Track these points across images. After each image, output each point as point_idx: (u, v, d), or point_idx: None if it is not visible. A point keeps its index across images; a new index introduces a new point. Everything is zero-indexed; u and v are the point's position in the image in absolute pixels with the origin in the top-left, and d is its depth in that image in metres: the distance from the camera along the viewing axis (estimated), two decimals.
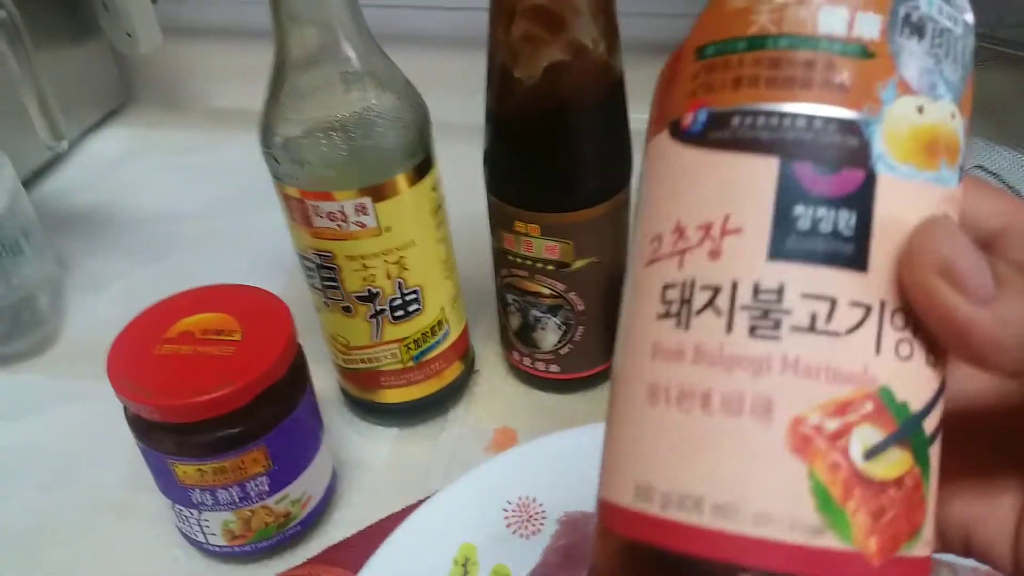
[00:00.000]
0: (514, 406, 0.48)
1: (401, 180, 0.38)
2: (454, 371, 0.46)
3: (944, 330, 0.16)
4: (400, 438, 0.46)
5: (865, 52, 0.17)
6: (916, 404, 0.17)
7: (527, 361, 0.47)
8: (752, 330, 0.16)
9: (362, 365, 0.44)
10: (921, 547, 0.17)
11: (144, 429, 0.36)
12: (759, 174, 0.17)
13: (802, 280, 0.16)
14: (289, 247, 0.58)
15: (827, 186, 0.16)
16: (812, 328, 0.16)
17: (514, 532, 0.38)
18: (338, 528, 0.42)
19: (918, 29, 0.17)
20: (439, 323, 0.43)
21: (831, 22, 0.17)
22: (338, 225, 0.38)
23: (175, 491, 0.37)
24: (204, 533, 0.39)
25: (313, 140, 0.36)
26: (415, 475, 0.44)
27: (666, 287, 0.17)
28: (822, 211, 0.16)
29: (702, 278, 0.17)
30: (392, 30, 0.45)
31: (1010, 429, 0.20)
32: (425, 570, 0.36)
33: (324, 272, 0.40)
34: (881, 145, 0.17)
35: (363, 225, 0.38)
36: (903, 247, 0.16)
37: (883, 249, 0.16)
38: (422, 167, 0.39)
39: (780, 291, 0.16)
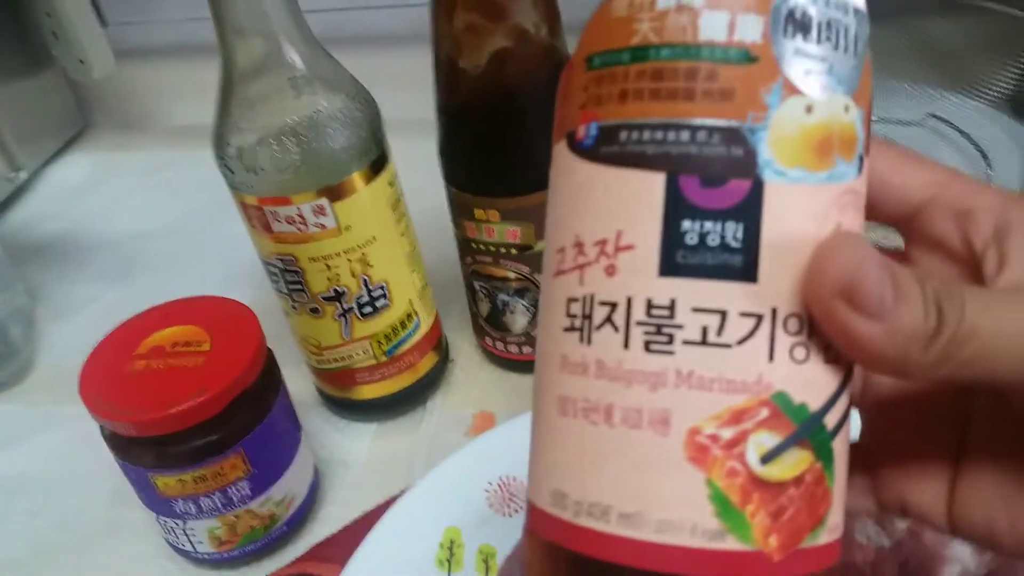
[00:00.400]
0: (491, 391, 0.48)
1: (357, 178, 0.39)
2: (428, 362, 0.47)
3: (838, 342, 0.17)
4: (380, 433, 0.47)
5: (748, 56, 0.16)
6: (815, 403, 0.17)
7: (500, 345, 0.48)
8: (647, 345, 0.17)
9: (335, 364, 0.44)
10: (826, 534, 0.17)
11: (122, 446, 0.36)
12: (647, 190, 0.17)
13: (692, 295, 0.16)
14: (257, 257, 0.58)
15: (713, 199, 0.16)
16: (704, 341, 0.16)
17: (497, 511, 0.39)
18: (324, 525, 0.42)
19: (802, 26, 0.17)
20: (408, 316, 0.44)
21: (712, 28, 0.16)
22: (298, 228, 0.38)
23: (158, 504, 0.38)
24: (191, 542, 0.39)
25: (266, 147, 0.37)
26: (397, 467, 0.45)
27: (570, 300, 0.18)
28: (709, 225, 0.16)
29: (600, 294, 0.17)
30: (335, 33, 0.45)
31: (929, 410, 0.21)
32: (412, 556, 0.37)
33: (288, 276, 0.41)
34: (768, 152, 0.16)
35: (323, 226, 0.39)
36: (804, 263, 0.16)
37: (773, 257, 0.16)
38: (377, 164, 0.39)
39: (671, 307, 0.17)
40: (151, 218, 0.69)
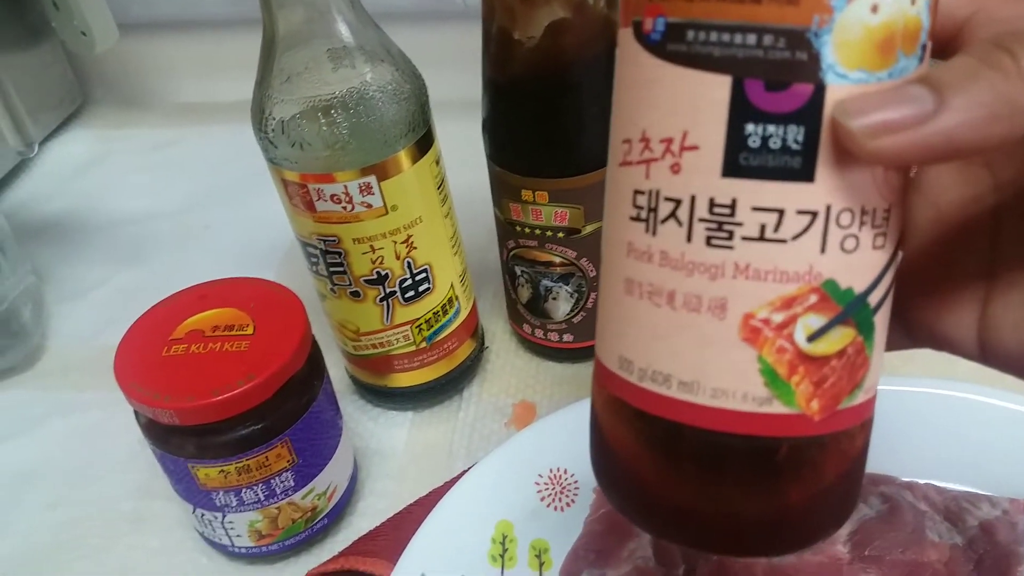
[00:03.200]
0: (529, 379, 0.47)
1: (404, 156, 0.37)
2: (466, 349, 0.45)
3: (934, 158, 0.17)
4: (416, 421, 0.45)
5: None
6: (861, 286, 0.18)
7: (539, 333, 0.46)
8: (708, 240, 0.18)
9: (373, 351, 0.42)
10: (862, 395, 0.20)
11: (161, 435, 0.34)
12: (712, 92, 0.17)
13: (752, 195, 0.17)
14: (273, 237, 0.56)
15: (776, 102, 0.17)
16: (761, 237, 0.18)
17: (548, 505, 0.38)
18: (364, 518, 0.41)
19: None
20: (450, 301, 0.42)
21: None
22: (343, 207, 0.37)
23: (196, 496, 0.36)
24: (229, 536, 0.37)
25: (312, 120, 0.35)
26: (437, 457, 0.43)
27: (636, 192, 0.19)
28: (771, 128, 0.17)
29: (665, 190, 0.18)
30: (371, 7, 0.43)
31: (958, 238, 0.22)
32: (464, 551, 0.35)
33: (330, 257, 0.39)
34: (831, 55, 0.17)
35: (369, 205, 0.37)
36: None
37: (830, 157, 0.17)
38: (424, 141, 0.38)
39: (732, 206, 0.18)
40: (157, 198, 0.66)
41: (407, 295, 0.40)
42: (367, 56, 0.36)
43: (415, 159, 0.37)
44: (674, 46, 0.17)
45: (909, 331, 0.23)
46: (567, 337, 0.46)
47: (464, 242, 0.44)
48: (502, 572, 0.35)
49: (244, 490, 0.35)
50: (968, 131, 0.17)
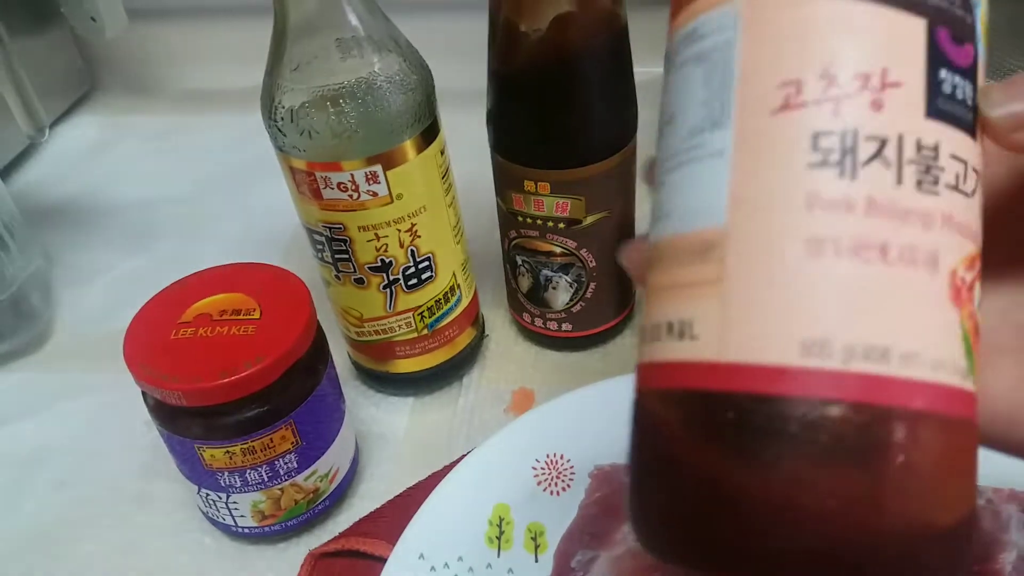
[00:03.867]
0: (528, 367, 0.48)
1: (410, 146, 0.37)
2: (467, 337, 0.46)
3: None
4: (417, 407, 0.46)
5: None
6: None
7: (538, 322, 0.47)
8: (919, 184, 0.17)
9: (376, 337, 0.43)
10: None
11: (168, 416, 0.35)
12: (912, 33, 0.17)
13: (950, 141, 0.17)
14: (280, 223, 0.57)
15: (959, 56, 0.17)
16: (957, 187, 0.17)
17: (545, 489, 0.38)
18: (365, 501, 0.41)
19: None
20: (452, 289, 0.43)
21: None
22: (349, 195, 0.37)
23: (202, 476, 0.37)
24: (233, 516, 0.38)
25: (321, 109, 0.35)
26: (437, 442, 0.44)
27: (819, 135, 0.17)
28: (956, 79, 0.17)
29: (866, 128, 0.17)
30: None
31: None
32: (462, 533, 0.36)
33: (335, 245, 0.39)
34: (980, 28, 0.18)
35: (375, 194, 0.37)
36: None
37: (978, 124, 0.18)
38: (429, 131, 0.38)
39: (936, 149, 0.17)
40: (164, 184, 0.67)
41: (410, 283, 0.41)
42: (376, 46, 0.36)
43: (420, 149, 0.38)
44: None
45: None
46: (566, 326, 0.46)
47: (466, 231, 0.45)
48: (499, 554, 0.36)
49: (248, 471, 0.36)
50: None
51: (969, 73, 0.18)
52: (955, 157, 0.17)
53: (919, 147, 0.17)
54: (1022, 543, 0.35)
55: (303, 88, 0.36)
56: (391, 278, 0.40)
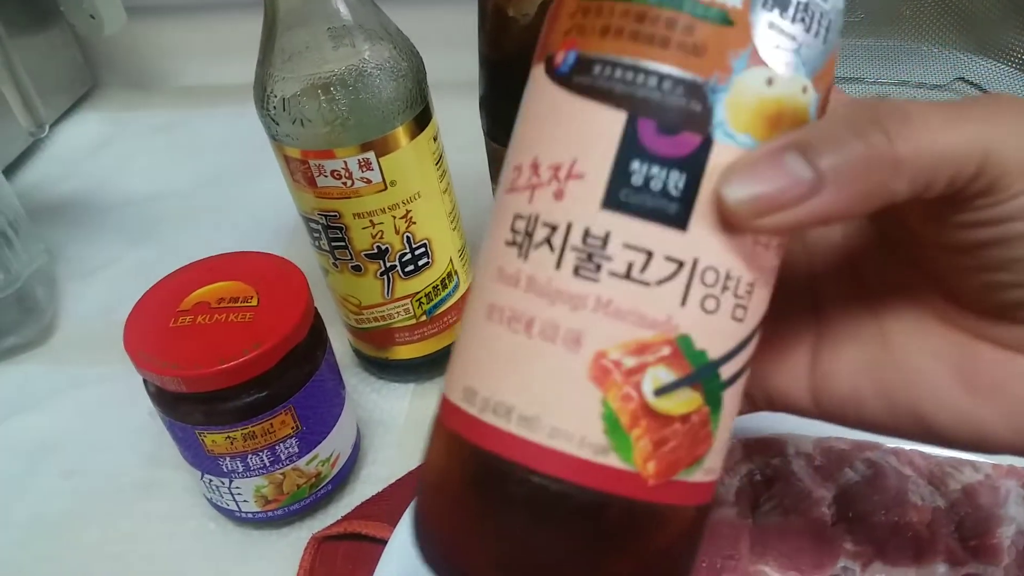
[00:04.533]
0: None
1: (402, 132, 0.38)
2: None
3: (806, 230, 0.19)
4: (418, 393, 0.47)
5: (725, 19, 0.17)
6: (715, 353, 0.18)
7: None
8: (576, 269, 0.18)
9: (375, 323, 0.44)
10: (701, 474, 0.19)
11: (169, 403, 0.36)
12: (607, 125, 0.18)
13: (626, 231, 0.18)
14: (280, 215, 0.58)
15: (665, 146, 0.17)
16: (628, 276, 0.18)
17: None
18: (367, 484, 0.42)
19: (782, 2, 0.18)
20: (449, 275, 0.43)
21: None
22: (343, 183, 0.38)
23: (204, 462, 0.37)
24: (236, 501, 0.39)
25: (312, 97, 0.36)
26: None
27: (516, 217, 0.19)
28: (655, 169, 0.17)
29: (545, 215, 0.18)
30: None
31: (783, 296, 0.21)
32: None
33: (331, 232, 0.40)
34: (722, 113, 0.17)
35: (368, 181, 0.38)
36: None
37: (706, 211, 0.18)
38: (421, 117, 0.39)
39: (606, 239, 0.18)
40: (166, 178, 0.68)
41: (407, 269, 0.41)
42: (366, 35, 0.36)
43: (413, 135, 0.38)
44: (580, 78, 0.18)
45: (748, 397, 0.23)
46: None
47: (464, 218, 0.45)
48: None
49: (250, 456, 0.37)
50: (842, 209, 0.18)
51: (684, 164, 0.17)
52: (632, 247, 0.18)
53: (586, 236, 0.18)
54: (1020, 518, 0.35)
55: (295, 77, 0.36)
56: (388, 265, 0.41)
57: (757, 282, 0.19)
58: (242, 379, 0.34)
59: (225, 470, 0.37)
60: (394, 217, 0.39)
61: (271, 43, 0.36)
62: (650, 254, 0.18)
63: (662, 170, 0.17)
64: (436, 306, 0.44)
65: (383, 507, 0.39)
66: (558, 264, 0.18)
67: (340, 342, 0.47)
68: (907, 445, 0.37)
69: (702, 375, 0.18)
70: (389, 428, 0.45)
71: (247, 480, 0.38)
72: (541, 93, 0.19)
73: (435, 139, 0.40)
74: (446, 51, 0.52)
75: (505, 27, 0.38)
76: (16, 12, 0.69)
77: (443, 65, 0.51)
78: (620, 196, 0.18)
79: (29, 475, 0.45)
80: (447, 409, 0.20)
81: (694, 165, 0.17)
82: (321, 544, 0.38)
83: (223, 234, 0.61)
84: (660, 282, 0.18)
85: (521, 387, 0.18)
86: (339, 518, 0.39)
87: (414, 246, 0.41)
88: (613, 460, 0.18)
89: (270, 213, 0.60)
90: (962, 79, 0.62)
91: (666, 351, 0.18)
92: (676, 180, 0.17)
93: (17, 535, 0.42)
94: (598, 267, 0.18)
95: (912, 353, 0.22)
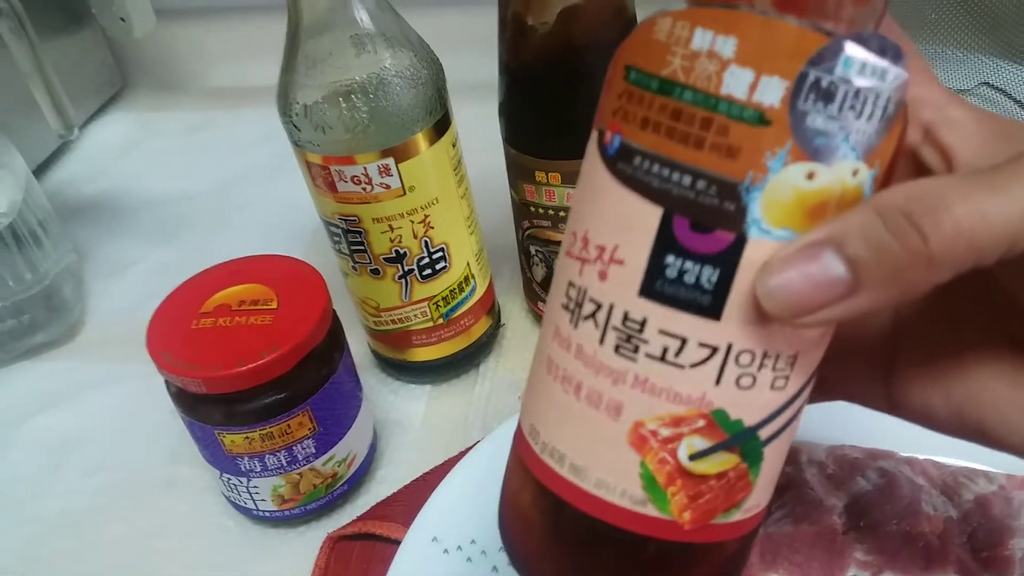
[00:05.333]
0: None
1: (421, 139, 0.38)
2: (482, 326, 0.47)
3: (844, 321, 0.18)
4: (434, 394, 0.47)
5: (762, 119, 0.17)
6: (751, 420, 0.19)
7: None
8: (616, 348, 0.19)
9: (393, 326, 0.44)
10: (739, 515, 0.20)
11: (190, 403, 0.36)
12: (645, 218, 0.18)
13: (661, 318, 0.19)
14: (304, 217, 0.58)
15: (698, 243, 0.18)
16: (663, 358, 0.19)
17: None
18: (383, 485, 0.42)
19: (827, 95, 0.17)
20: (466, 279, 0.44)
21: (734, 84, 0.17)
22: (363, 188, 0.38)
23: (223, 461, 0.38)
24: (254, 500, 0.39)
25: (334, 105, 0.36)
26: (453, 429, 0.45)
27: (569, 284, 0.20)
28: (689, 264, 0.18)
29: (591, 292, 0.20)
30: None
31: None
32: (474, 517, 0.37)
33: (351, 236, 0.40)
34: (758, 211, 0.17)
35: (387, 187, 0.38)
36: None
37: (740, 302, 0.18)
38: (441, 124, 0.39)
39: (643, 324, 0.19)
40: (193, 179, 0.69)
41: (424, 273, 0.42)
42: (387, 42, 0.37)
43: (432, 141, 0.39)
44: (623, 165, 0.19)
45: (822, 388, 0.23)
46: None
47: (482, 222, 0.45)
48: None
49: (268, 456, 0.37)
50: (880, 304, 0.18)
51: (718, 259, 0.18)
52: (667, 333, 0.18)
53: (625, 319, 0.19)
54: (991, 470, 0.35)
55: (317, 84, 0.36)
56: (406, 268, 0.41)
57: (801, 352, 0.19)
58: (261, 381, 0.35)
59: (243, 470, 0.38)
60: (412, 222, 0.40)
61: (294, 51, 0.37)
62: (684, 340, 0.18)
63: (695, 265, 0.18)
64: (453, 309, 0.44)
65: (398, 508, 0.39)
66: (601, 340, 0.19)
67: (359, 343, 0.48)
68: (921, 455, 0.37)
69: (739, 440, 0.19)
70: (405, 429, 0.45)
71: (265, 479, 0.38)
72: (593, 167, 0.20)
73: (454, 145, 0.41)
74: (466, 54, 0.53)
75: (524, 35, 0.38)
76: (47, 15, 0.71)
77: (463, 67, 0.51)
78: (655, 286, 0.18)
79: (53, 472, 0.46)
80: (520, 436, 0.22)
81: (727, 261, 0.18)
82: (336, 543, 0.39)
83: (247, 235, 0.61)
84: (694, 365, 0.19)
85: (572, 440, 0.20)
86: (354, 518, 0.40)
87: (432, 250, 0.41)
88: (651, 510, 0.20)
89: (293, 214, 0.61)
90: (987, 84, 0.62)
91: (700, 423, 0.19)
92: (709, 275, 0.18)
93: (39, 531, 0.43)
94: (636, 348, 0.19)
95: (985, 378, 0.22)
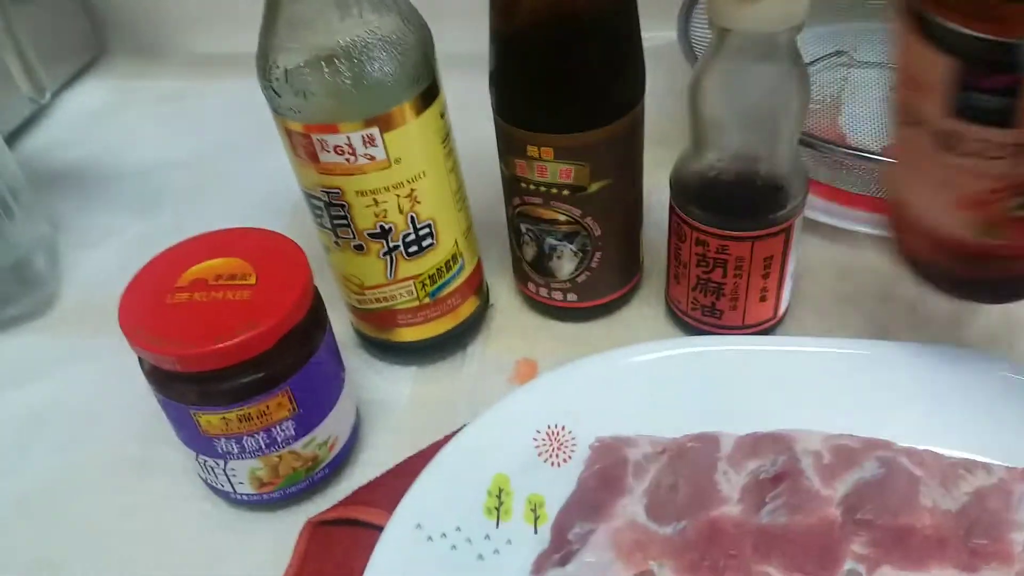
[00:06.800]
0: (532, 337, 0.47)
1: (408, 108, 0.37)
2: (470, 306, 0.45)
3: None
4: (420, 376, 0.46)
5: None
6: None
7: (543, 291, 0.46)
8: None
9: (377, 305, 0.43)
10: None
11: (164, 381, 0.35)
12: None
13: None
14: (286, 190, 0.56)
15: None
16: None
17: (545, 460, 0.38)
18: (366, 469, 0.41)
19: None
20: (454, 257, 0.42)
21: None
22: (346, 159, 0.37)
23: (199, 442, 0.36)
24: (231, 483, 0.38)
25: (316, 69, 0.35)
26: (439, 412, 0.43)
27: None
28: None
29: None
30: None
31: None
32: (460, 503, 0.36)
33: (333, 210, 0.39)
34: None
35: (372, 158, 0.37)
36: None
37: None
38: (428, 93, 0.37)
39: None
40: (173, 148, 0.67)
41: (410, 250, 0.40)
42: (373, 5, 0.35)
43: (419, 111, 0.37)
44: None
45: None
46: (571, 296, 0.46)
47: (472, 199, 0.44)
48: (497, 524, 0.36)
49: (245, 438, 0.36)
50: None
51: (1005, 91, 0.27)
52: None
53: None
54: (992, 462, 0.34)
55: (299, 48, 0.35)
56: (391, 245, 0.40)
57: None
58: (238, 359, 0.33)
59: (220, 451, 0.36)
60: (398, 196, 0.38)
61: (276, 12, 0.35)
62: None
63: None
64: (440, 288, 0.43)
65: (381, 493, 0.38)
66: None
67: (341, 322, 0.46)
68: (920, 445, 0.36)
69: None
70: (390, 411, 0.44)
71: (242, 462, 0.37)
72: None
73: (442, 116, 0.39)
74: (457, 22, 0.51)
75: (517, 1, 0.36)
76: None
77: (454, 37, 0.49)
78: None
79: (23, 448, 0.45)
80: None
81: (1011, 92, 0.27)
82: (316, 529, 0.38)
83: (227, 207, 0.60)
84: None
85: None
86: (336, 503, 0.39)
87: (418, 226, 0.40)
88: None
89: (276, 186, 0.59)
90: None
91: None
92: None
93: (7, 510, 0.42)
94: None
95: None
